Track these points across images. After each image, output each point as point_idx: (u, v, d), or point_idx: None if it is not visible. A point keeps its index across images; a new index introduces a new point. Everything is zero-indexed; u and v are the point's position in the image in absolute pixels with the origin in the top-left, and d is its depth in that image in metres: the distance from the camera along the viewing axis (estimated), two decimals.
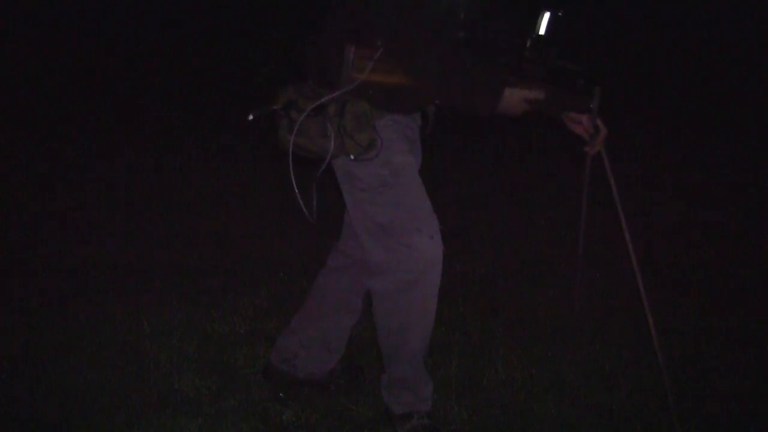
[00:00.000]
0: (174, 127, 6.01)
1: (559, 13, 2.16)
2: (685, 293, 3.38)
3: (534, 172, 5.15)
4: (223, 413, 2.44)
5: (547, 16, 2.16)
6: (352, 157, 2.15)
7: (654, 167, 5.22)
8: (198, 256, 3.73)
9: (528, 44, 2.18)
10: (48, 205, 4.41)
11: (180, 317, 3.05)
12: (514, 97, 2.12)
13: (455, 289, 3.42)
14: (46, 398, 2.48)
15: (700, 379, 2.67)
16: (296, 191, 2.16)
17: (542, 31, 2.16)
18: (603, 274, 3.48)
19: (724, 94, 6.83)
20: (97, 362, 2.70)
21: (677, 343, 2.89)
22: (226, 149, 5.53)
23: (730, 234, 4.15)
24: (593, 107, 2.21)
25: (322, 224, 2.34)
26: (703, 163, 5.40)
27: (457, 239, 3.98)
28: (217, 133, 5.83)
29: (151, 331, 2.93)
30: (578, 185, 2.45)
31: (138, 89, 7.04)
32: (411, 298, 2.18)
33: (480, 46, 2.15)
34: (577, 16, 2.25)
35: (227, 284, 3.42)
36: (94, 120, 6.13)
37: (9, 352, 2.76)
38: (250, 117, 2.19)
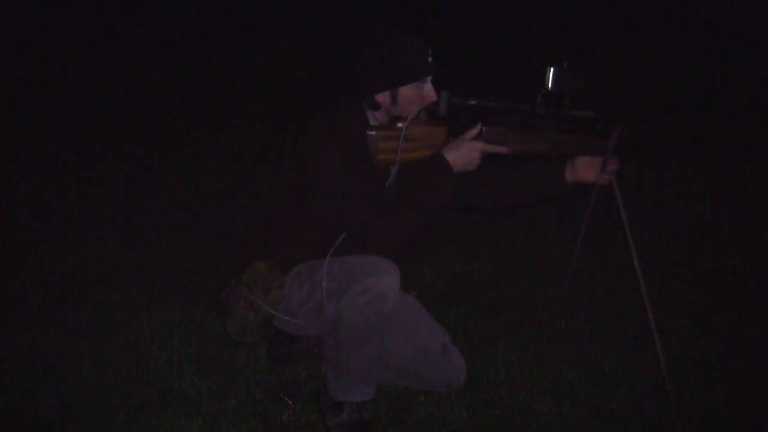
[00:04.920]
0: (174, 127, 6.01)
1: (564, 65, 2.24)
2: (685, 293, 3.38)
3: None
4: (223, 413, 2.44)
5: (552, 71, 2.23)
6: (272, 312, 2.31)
7: (653, 167, 5.21)
8: (198, 256, 3.73)
9: (538, 100, 2.27)
10: (48, 205, 4.40)
11: (180, 317, 3.05)
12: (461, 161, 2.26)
13: (455, 289, 3.42)
14: (46, 398, 2.48)
15: (700, 379, 2.66)
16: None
17: (550, 85, 2.24)
18: (603, 275, 3.49)
19: (726, 95, 6.84)
20: (97, 362, 2.70)
21: (677, 343, 2.89)
22: (226, 149, 5.53)
23: (730, 234, 4.15)
24: (609, 146, 2.33)
25: None
26: (702, 163, 5.39)
27: (457, 239, 3.99)
28: (217, 133, 5.82)
29: (151, 331, 2.93)
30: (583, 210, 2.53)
31: (138, 89, 7.04)
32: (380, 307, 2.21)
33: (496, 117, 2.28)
34: (583, 65, 2.32)
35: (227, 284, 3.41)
36: (93, 119, 6.12)
37: (9, 352, 2.76)
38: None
